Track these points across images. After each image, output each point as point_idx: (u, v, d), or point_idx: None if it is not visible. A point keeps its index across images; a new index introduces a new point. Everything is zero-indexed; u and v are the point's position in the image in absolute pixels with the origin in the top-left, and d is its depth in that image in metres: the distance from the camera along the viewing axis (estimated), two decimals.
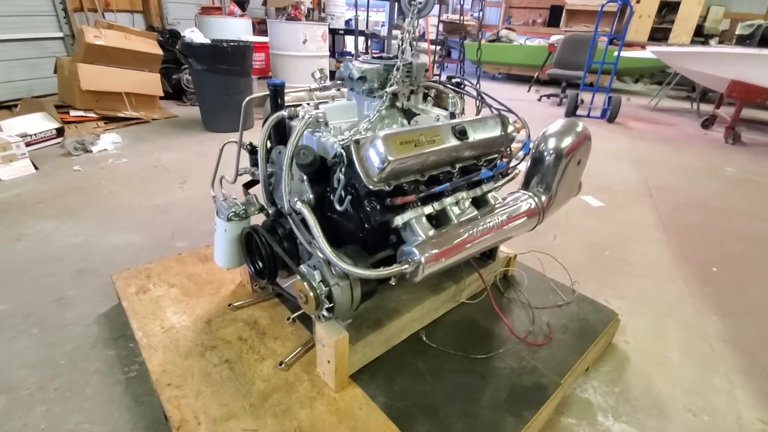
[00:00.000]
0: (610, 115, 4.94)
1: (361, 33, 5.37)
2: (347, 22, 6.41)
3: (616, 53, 5.03)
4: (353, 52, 5.74)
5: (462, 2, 6.58)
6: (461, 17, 7.31)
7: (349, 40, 6.68)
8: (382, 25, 6.75)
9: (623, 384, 1.35)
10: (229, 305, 1.36)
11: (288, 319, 1.26)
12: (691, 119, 5.48)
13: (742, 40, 6.84)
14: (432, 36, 6.08)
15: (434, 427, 1.02)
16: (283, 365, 1.14)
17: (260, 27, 5.76)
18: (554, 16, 9.47)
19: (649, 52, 5.43)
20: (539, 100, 6.29)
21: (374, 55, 1.24)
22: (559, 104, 5.95)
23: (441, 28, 6.89)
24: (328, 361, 1.07)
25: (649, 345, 1.52)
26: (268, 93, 1.14)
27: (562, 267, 1.66)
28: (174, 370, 1.13)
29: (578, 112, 5.16)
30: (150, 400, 1.19)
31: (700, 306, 1.75)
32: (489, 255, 1.52)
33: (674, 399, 1.30)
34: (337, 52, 6.30)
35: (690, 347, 1.52)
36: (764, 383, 1.38)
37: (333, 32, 5.62)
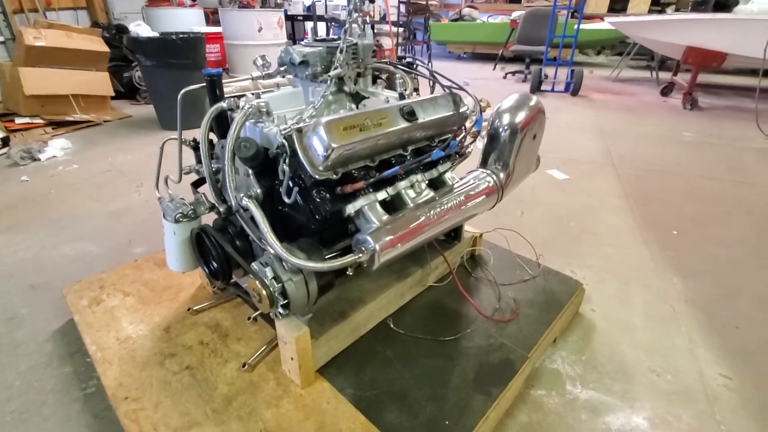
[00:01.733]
0: (573, 88, 5.00)
1: (321, 18, 5.23)
2: (307, 8, 6.23)
3: (576, 26, 5.07)
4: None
5: None
6: None
7: (310, 26, 6.50)
8: (342, 9, 6.59)
9: (590, 351, 1.37)
10: (189, 309, 1.31)
11: (249, 318, 1.22)
12: (651, 88, 5.61)
13: (697, 6, 6.99)
14: (394, 18, 5.98)
15: (403, 413, 1.01)
16: (246, 366, 1.11)
17: (214, 17, 5.53)
18: None
19: (608, 24, 5.49)
20: (505, 77, 6.31)
21: (316, 38, 1.18)
22: (524, 80, 5.98)
23: (403, 9, 6.79)
24: (292, 358, 1.04)
25: (614, 311, 1.55)
26: (203, 84, 1.08)
27: (528, 242, 1.67)
28: (131, 383, 1.08)
29: (542, 87, 5.20)
30: (109, 415, 1.13)
31: (662, 269, 1.80)
32: (454, 236, 1.51)
33: (638, 362, 1.34)
34: (297, 39, 6.13)
35: (653, 310, 1.57)
36: (724, 340, 1.44)
37: (291, 18, 5.45)
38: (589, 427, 1.13)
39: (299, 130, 0.91)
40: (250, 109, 0.98)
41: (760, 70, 3.70)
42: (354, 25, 1.13)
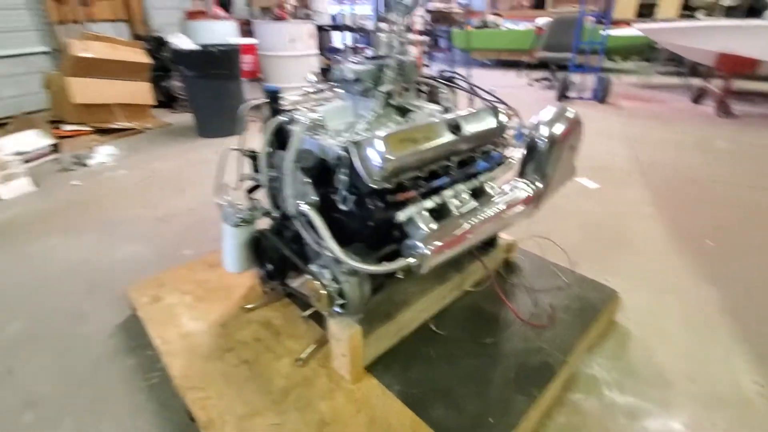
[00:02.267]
0: (601, 95, 4.96)
1: (348, 28, 5.37)
2: (333, 17, 6.39)
3: (603, 32, 5.05)
4: (340, 47, 5.74)
5: None
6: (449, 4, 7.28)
7: (336, 35, 6.66)
8: (369, 19, 6.72)
9: (626, 358, 1.40)
10: (242, 308, 1.40)
11: (302, 317, 1.30)
12: (681, 95, 5.51)
13: (729, 12, 6.86)
14: (419, 26, 6.08)
15: (449, 409, 1.07)
16: (300, 362, 1.19)
17: (245, 28, 5.74)
18: None
19: (636, 30, 5.44)
20: (530, 84, 6.30)
21: (366, 56, 1.26)
22: (550, 87, 5.96)
23: (428, 17, 6.87)
24: (343, 355, 1.12)
25: (649, 319, 1.57)
26: (264, 100, 1.17)
27: (561, 250, 1.71)
28: (195, 374, 1.17)
29: (569, 95, 5.18)
30: (175, 404, 1.23)
31: (696, 278, 1.81)
32: (490, 243, 1.57)
33: (675, 369, 1.36)
34: (325, 48, 6.29)
35: (688, 319, 1.58)
36: (759, 347, 1.44)
37: (320, 29, 5.60)
38: (627, 430, 1.16)
39: (356, 143, 0.99)
40: (309, 123, 1.07)
41: None
42: (398, 43, 1.21)
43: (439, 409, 1.07)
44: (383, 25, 1.23)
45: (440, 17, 7.19)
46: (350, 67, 1.20)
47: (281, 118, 1.13)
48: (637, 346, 1.45)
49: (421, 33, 6.01)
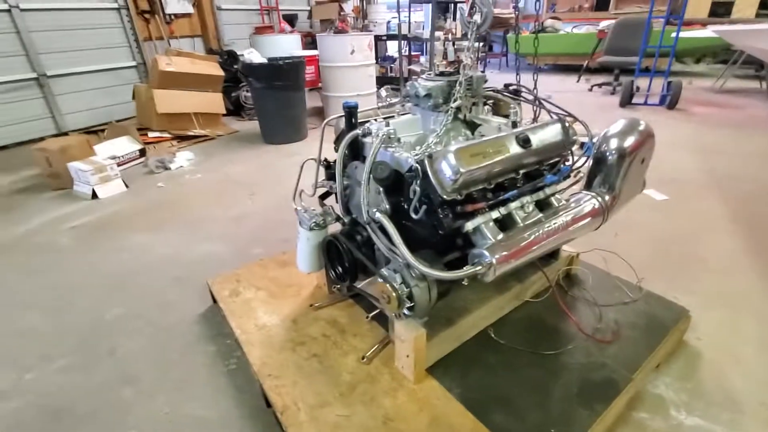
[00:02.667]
0: (671, 101, 4.68)
1: (404, 37, 5.47)
2: (387, 23, 6.54)
3: (674, 35, 4.76)
4: (395, 56, 5.85)
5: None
6: (516, 11, 7.20)
7: (391, 44, 6.80)
8: (423, 27, 6.80)
9: (696, 380, 1.34)
10: (311, 306, 1.51)
11: (367, 317, 1.38)
12: (761, 100, 5.07)
13: None
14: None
15: (510, 416, 1.10)
16: (365, 359, 1.27)
17: (306, 40, 6.04)
18: (602, 0, 9.07)
19: (710, 32, 5.08)
20: (590, 89, 6.07)
21: (437, 72, 1.33)
22: (612, 93, 5.71)
23: None
24: (407, 356, 1.18)
25: (723, 341, 1.49)
26: (342, 115, 1.27)
27: (627, 264, 1.67)
28: (271, 363, 1.29)
29: (634, 100, 4.93)
30: (250, 388, 1.36)
31: None
32: (552, 254, 1.57)
33: (749, 393, 1.29)
34: (379, 56, 6.45)
35: (766, 343, 1.48)
36: None
37: (376, 39, 5.77)
38: None
39: (430, 156, 1.06)
40: (384, 136, 1.15)
41: None
42: (470, 62, 1.26)
43: (499, 414, 1.10)
44: (438, 34, 1.29)
45: (495, 23, 7.12)
46: (422, 83, 1.28)
47: (357, 131, 1.22)
48: (707, 368, 1.38)
49: (476, 39, 6.00)
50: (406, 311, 1.10)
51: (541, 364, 1.26)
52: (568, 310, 1.44)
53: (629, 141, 1.27)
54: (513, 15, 8.26)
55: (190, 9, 5.72)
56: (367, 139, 1.24)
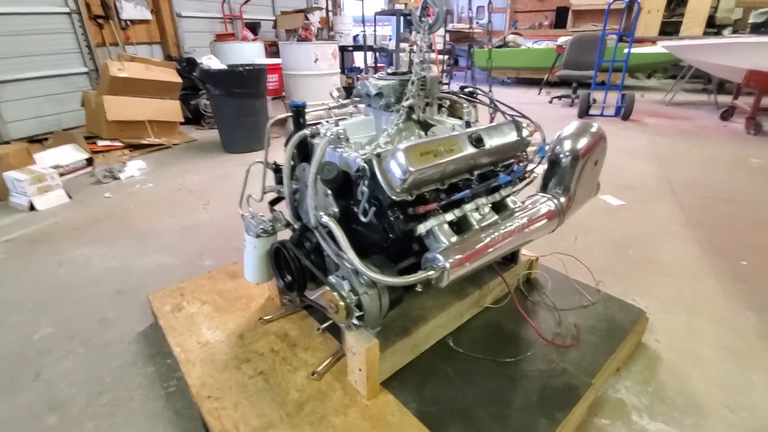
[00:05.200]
0: (625, 112, 4.89)
1: (370, 48, 5.49)
2: (355, 38, 6.56)
3: (626, 50, 5.00)
4: (361, 67, 5.86)
5: (470, 12, 6.65)
6: (470, 25, 7.39)
7: (358, 55, 6.82)
8: (390, 39, 6.87)
9: (656, 383, 1.33)
10: (260, 319, 1.40)
11: (318, 329, 1.30)
12: (708, 112, 5.38)
13: (757, 29, 6.71)
14: (439, 46, 6.17)
15: (468, 430, 1.04)
16: (315, 375, 1.18)
17: (271, 49, 5.95)
18: (561, 18, 9.50)
19: (661, 47, 5.38)
20: (551, 102, 6.27)
21: (389, 72, 1.29)
22: (571, 105, 5.92)
23: (447, 37, 6.98)
24: (360, 369, 1.10)
25: (681, 343, 1.49)
26: (289, 114, 1.20)
27: (586, 268, 1.66)
28: (212, 383, 1.17)
29: (591, 112, 5.12)
30: (189, 413, 1.23)
31: (733, 302, 1.72)
32: (511, 259, 1.54)
33: (710, 396, 1.28)
34: (346, 68, 6.44)
35: (724, 344, 1.49)
36: None
37: (342, 49, 5.76)
38: None
39: (378, 155, 1.00)
40: (332, 136, 1.08)
41: None
42: (422, 61, 1.22)
43: (457, 429, 1.04)
44: (404, 45, 1.26)
45: (460, 37, 7.28)
46: (373, 82, 1.23)
47: (305, 131, 1.15)
48: (668, 371, 1.38)
49: (441, 52, 6.09)
50: (355, 321, 1.02)
51: (501, 373, 1.21)
52: (528, 316, 1.41)
53: (582, 143, 1.27)
54: (477, 30, 8.51)
55: (148, 15, 5.53)
56: (316, 140, 1.17)
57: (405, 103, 1.17)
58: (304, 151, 1.21)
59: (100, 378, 1.39)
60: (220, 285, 1.62)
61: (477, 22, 8.92)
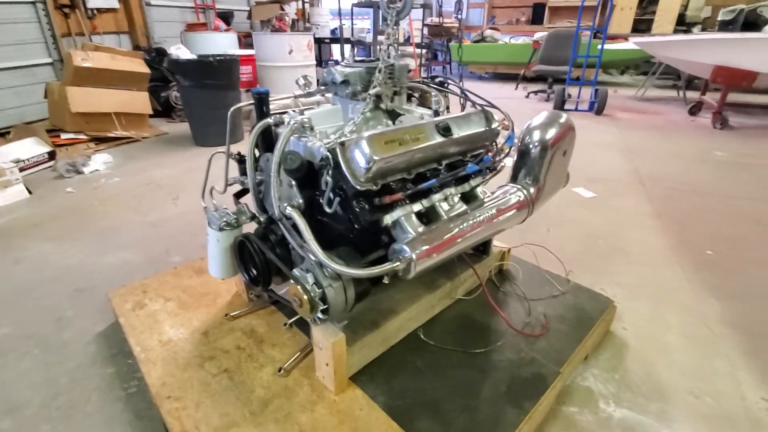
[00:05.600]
0: (598, 107, 4.98)
1: (347, 41, 5.43)
2: (333, 31, 6.47)
3: (599, 46, 5.09)
4: (339, 59, 5.79)
5: (441, 4, 6.64)
6: (441, 19, 7.38)
7: (336, 48, 6.73)
8: (368, 32, 6.81)
9: (623, 370, 1.35)
10: (226, 315, 1.36)
11: (285, 324, 1.26)
12: (678, 107, 5.54)
13: (725, 26, 6.93)
14: (417, 39, 6.14)
15: (435, 422, 1.02)
16: (282, 371, 1.14)
17: (246, 40, 5.80)
18: (537, 14, 9.60)
19: (632, 44, 5.49)
20: (527, 96, 6.34)
21: (356, 59, 1.25)
22: (547, 99, 6.00)
23: (426, 31, 6.97)
24: (327, 364, 1.07)
25: (648, 330, 1.52)
26: (252, 103, 1.15)
27: (557, 258, 1.67)
28: (173, 383, 1.13)
29: (566, 107, 5.20)
30: (150, 414, 1.18)
31: (698, 290, 1.76)
32: (483, 250, 1.53)
33: (675, 383, 1.31)
34: (324, 60, 6.35)
35: (689, 331, 1.53)
36: (767, 364, 1.39)
37: (319, 41, 5.66)
38: None
39: (342, 144, 0.97)
40: (296, 125, 1.05)
41: None
42: (390, 48, 1.20)
43: (425, 421, 1.02)
44: (381, 38, 1.23)
45: (438, 31, 7.27)
46: (339, 69, 1.19)
47: (268, 120, 1.11)
48: (634, 358, 1.40)
49: (419, 46, 6.07)
50: (320, 315, 0.99)
51: (471, 364, 1.20)
52: (499, 306, 1.41)
53: (551, 133, 1.27)
54: (455, 24, 8.52)
55: (116, 4, 5.31)
56: (280, 129, 1.13)
57: (372, 92, 1.14)
58: (268, 141, 1.17)
59: (56, 379, 1.33)
60: (185, 281, 1.56)
61: (455, 17, 8.93)
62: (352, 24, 5.33)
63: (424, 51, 6.20)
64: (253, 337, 1.28)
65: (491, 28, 8.55)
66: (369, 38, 5.69)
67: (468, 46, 8.19)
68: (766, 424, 1.18)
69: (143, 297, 1.47)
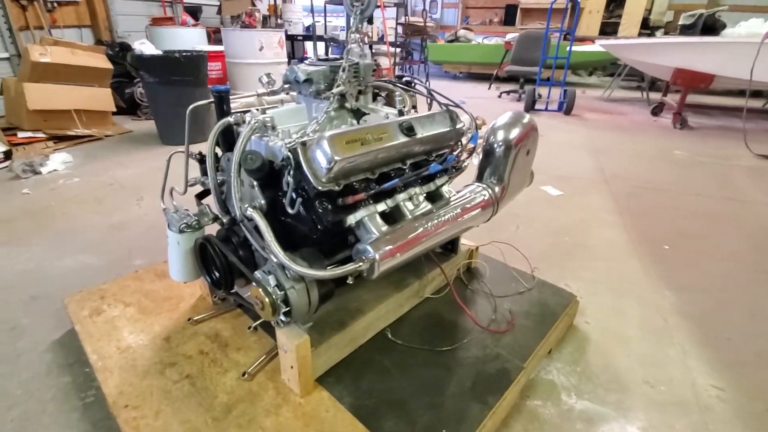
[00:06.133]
0: (567, 107, 5.12)
1: (320, 38, 5.38)
2: (307, 28, 6.39)
3: (568, 48, 5.23)
4: (313, 57, 5.74)
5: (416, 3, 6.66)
6: (407, 18, 7.42)
7: (310, 45, 6.66)
8: (341, 30, 6.76)
9: (585, 363, 1.39)
10: (189, 320, 1.32)
11: (249, 328, 1.24)
12: (642, 107, 5.75)
13: (686, 30, 7.23)
14: (392, 39, 6.14)
15: (401, 421, 1.03)
16: (246, 375, 1.12)
17: (216, 36, 5.66)
18: (510, 15, 9.75)
19: (599, 46, 5.67)
20: (499, 96, 6.45)
21: (320, 58, 1.24)
22: (519, 99, 6.11)
23: (400, 30, 6.98)
24: (292, 367, 1.06)
25: (608, 323, 1.58)
26: (211, 101, 1.12)
27: (523, 255, 1.71)
28: (131, 391, 1.09)
29: (536, 107, 5.31)
30: (108, 424, 1.14)
31: (655, 283, 1.84)
32: (451, 248, 1.55)
33: (632, 373, 1.36)
34: (297, 58, 6.27)
35: (646, 322, 1.59)
36: (716, 351, 1.46)
37: (291, 38, 5.59)
38: None
39: (304, 144, 0.96)
40: (256, 124, 1.03)
41: (747, 91, 3.82)
42: (355, 46, 1.19)
43: (390, 420, 1.03)
44: (354, 36, 1.22)
45: (413, 30, 7.30)
46: (302, 67, 1.18)
47: (228, 119, 1.09)
48: (595, 351, 1.45)
49: (394, 45, 6.08)
50: (283, 317, 0.98)
51: (437, 362, 1.21)
52: (466, 304, 1.43)
53: (514, 133, 1.29)
54: (430, 24, 8.57)
55: None
56: (242, 128, 1.10)
57: (335, 90, 1.13)
58: (229, 140, 1.15)
59: (10, 391, 1.26)
60: (147, 285, 1.51)
61: (430, 17, 8.99)
62: (326, 21, 5.28)
63: (398, 50, 6.21)
64: (218, 341, 1.26)
65: (465, 28, 8.65)
66: (343, 36, 5.65)
67: (442, 45, 8.27)
68: (715, 409, 1.24)
69: (101, 303, 1.42)
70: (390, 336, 1.29)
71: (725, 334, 1.54)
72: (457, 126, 1.23)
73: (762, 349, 1.48)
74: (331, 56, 1.25)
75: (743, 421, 1.21)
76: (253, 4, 5.33)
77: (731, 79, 4.28)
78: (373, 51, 6.56)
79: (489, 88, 7.15)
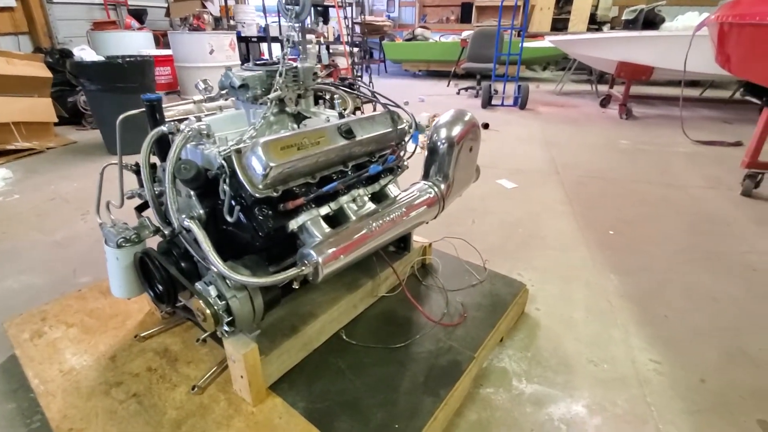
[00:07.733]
0: (521, 102, 5.28)
1: (275, 39, 5.29)
2: (262, 30, 6.27)
3: (520, 45, 5.39)
4: (269, 59, 5.63)
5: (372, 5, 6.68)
6: (363, 18, 7.44)
7: (265, 47, 6.53)
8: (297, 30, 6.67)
9: (535, 348, 1.45)
10: (136, 336, 1.28)
11: (197, 340, 1.21)
12: (591, 100, 6.01)
13: (628, 25, 7.62)
14: (348, 38, 6.13)
15: (355, 421, 1.04)
16: (196, 389, 1.10)
17: (165, 40, 5.46)
18: (466, 13, 9.95)
19: (549, 42, 5.88)
20: (458, 93, 6.57)
21: (257, 62, 1.23)
22: (476, 96, 6.25)
23: (358, 29, 6.98)
24: (242, 376, 1.05)
25: (557, 309, 1.65)
26: (142, 110, 1.09)
27: (475, 249, 1.76)
28: (75, 414, 1.05)
29: (493, 102, 5.45)
30: None
31: (600, 267, 1.94)
32: (404, 246, 1.57)
33: (579, 354, 1.43)
34: (253, 60, 6.15)
35: (592, 305, 1.68)
36: (654, 329, 1.56)
37: (245, 40, 5.47)
38: (533, 419, 1.20)
39: (238, 151, 0.95)
40: (190, 132, 1.01)
41: (682, 81, 4.07)
42: (290, 49, 1.19)
43: (344, 421, 1.04)
44: (311, 37, 1.21)
45: (370, 29, 7.32)
46: (237, 73, 1.16)
47: (162, 128, 1.06)
48: (545, 336, 1.51)
49: (352, 44, 6.07)
50: (226, 327, 0.97)
51: (391, 359, 1.23)
52: (420, 300, 1.46)
53: (456, 130, 1.32)
54: (387, 23, 8.62)
55: (12, 2, 4.78)
56: (177, 137, 1.08)
57: (272, 95, 1.12)
58: (165, 150, 1.11)
59: None
60: (90, 304, 1.45)
61: (386, 15, 9.03)
62: (280, 22, 5.19)
63: (356, 50, 6.21)
64: (167, 356, 1.22)
65: (422, 27, 8.75)
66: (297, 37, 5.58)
67: (401, 44, 8.33)
68: (653, 382, 1.33)
69: (42, 325, 1.35)
70: (344, 337, 1.30)
71: (663, 312, 1.65)
72: (399, 126, 1.25)
73: (696, 324, 1.59)
74: (269, 60, 1.24)
75: (678, 392, 1.30)
76: (204, 6, 5.18)
77: (668, 71, 4.55)
78: (330, 51, 6.52)
79: (448, 86, 7.27)
